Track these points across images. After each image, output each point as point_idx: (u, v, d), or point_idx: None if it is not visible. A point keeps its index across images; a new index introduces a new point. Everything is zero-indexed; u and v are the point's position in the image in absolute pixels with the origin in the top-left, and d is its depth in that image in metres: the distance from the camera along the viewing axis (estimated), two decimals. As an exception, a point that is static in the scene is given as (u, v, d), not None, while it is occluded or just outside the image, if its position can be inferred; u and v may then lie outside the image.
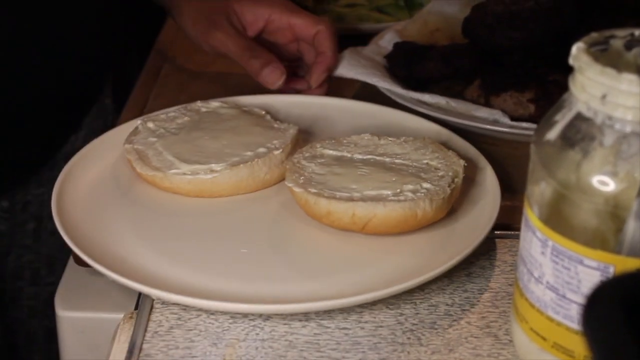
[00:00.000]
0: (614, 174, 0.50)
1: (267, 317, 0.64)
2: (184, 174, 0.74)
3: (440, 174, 0.72)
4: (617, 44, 0.53)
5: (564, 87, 0.54)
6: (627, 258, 0.51)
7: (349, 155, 0.75)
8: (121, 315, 0.68)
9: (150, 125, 0.81)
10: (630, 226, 0.50)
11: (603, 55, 0.52)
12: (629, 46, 0.52)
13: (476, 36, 0.95)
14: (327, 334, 0.63)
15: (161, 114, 0.83)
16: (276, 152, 0.76)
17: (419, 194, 0.69)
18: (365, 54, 0.96)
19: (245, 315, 0.64)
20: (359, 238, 0.69)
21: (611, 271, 0.51)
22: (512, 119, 0.85)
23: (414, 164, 0.73)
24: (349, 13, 1.18)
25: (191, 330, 0.64)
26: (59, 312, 0.81)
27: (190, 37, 0.93)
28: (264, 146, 0.77)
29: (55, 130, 1.02)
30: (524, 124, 0.84)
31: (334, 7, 1.19)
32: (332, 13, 1.17)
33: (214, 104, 0.84)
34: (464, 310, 0.65)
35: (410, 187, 0.69)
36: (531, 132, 0.56)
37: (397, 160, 0.74)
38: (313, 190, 0.69)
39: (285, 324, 0.64)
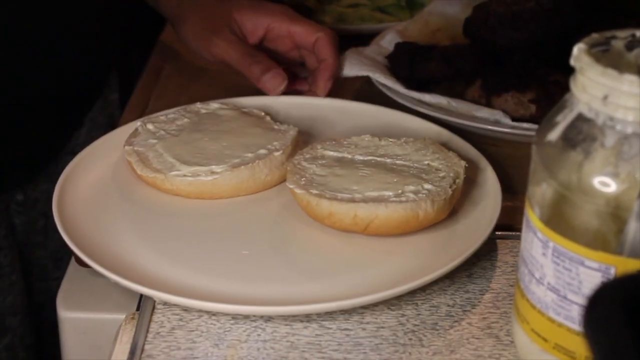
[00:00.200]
0: (615, 175, 0.50)
1: (269, 318, 0.64)
2: (185, 175, 0.74)
3: (442, 174, 0.72)
4: (618, 44, 0.53)
5: (565, 88, 0.54)
6: (628, 259, 0.51)
7: (349, 156, 0.75)
8: (123, 316, 0.68)
9: (150, 126, 0.81)
10: (632, 227, 0.50)
11: (604, 56, 0.52)
12: (630, 47, 0.52)
13: (477, 36, 0.95)
14: (328, 334, 0.63)
15: (161, 116, 0.83)
16: (277, 154, 0.76)
17: (420, 195, 0.69)
18: (367, 54, 0.96)
19: (246, 316, 0.64)
20: (361, 239, 0.70)
21: (612, 272, 0.51)
22: (513, 119, 0.85)
23: (415, 165, 0.73)
24: (350, 13, 1.18)
25: (193, 331, 0.64)
26: (61, 312, 0.81)
27: (191, 48, 0.93)
28: (265, 147, 0.77)
29: (59, 125, 1.03)
30: (525, 125, 0.84)
31: (336, 7, 1.19)
32: (334, 13, 1.17)
33: (214, 105, 0.84)
34: (465, 311, 0.65)
35: (411, 188, 0.69)
36: (532, 133, 0.56)
37: (398, 161, 0.74)
38: (314, 192, 0.69)
39: (286, 325, 0.64)
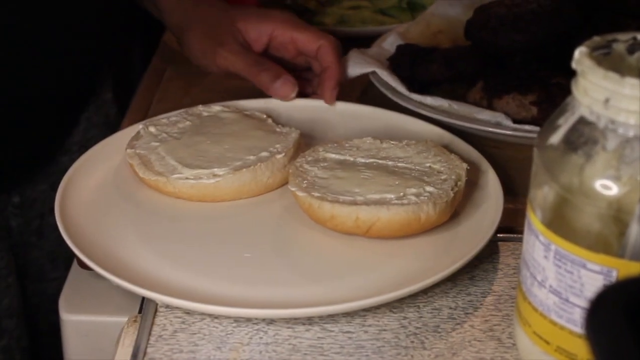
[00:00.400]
0: (616, 178, 0.50)
1: (271, 321, 0.64)
2: (187, 178, 0.74)
3: (443, 177, 0.72)
4: (620, 47, 0.53)
5: (566, 90, 0.54)
6: (630, 262, 0.51)
7: (351, 158, 0.75)
8: (125, 319, 0.68)
9: (152, 129, 0.81)
10: (633, 230, 0.50)
11: (606, 59, 0.52)
12: (631, 50, 0.52)
13: (479, 38, 0.95)
14: (330, 337, 0.63)
15: (163, 119, 0.83)
16: (278, 156, 0.76)
17: (422, 197, 0.69)
18: (369, 56, 0.96)
19: (249, 319, 0.64)
20: (363, 242, 0.70)
21: (614, 275, 0.51)
22: (515, 121, 0.85)
23: (417, 167, 0.73)
24: (352, 15, 1.18)
25: (195, 334, 0.64)
26: (63, 315, 0.81)
27: (197, 62, 0.92)
28: (266, 150, 0.77)
29: (56, 125, 1.02)
30: (527, 127, 0.84)
31: (337, 9, 1.19)
32: (335, 15, 1.17)
33: (215, 108, 0.84)
34: (467, 313, 0.65)
35: (413, 190, 0.69)
36: (534, 135, 0.56)
37: (399, 164, 0.74)
38: (316, 194, 0.69)
39: (288, 328, 0.64)
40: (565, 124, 0.53)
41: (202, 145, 0.78)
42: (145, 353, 0.62)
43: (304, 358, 0.61)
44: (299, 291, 0.65)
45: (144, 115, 0.95)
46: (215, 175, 0.74)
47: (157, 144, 0.79)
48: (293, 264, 0.69)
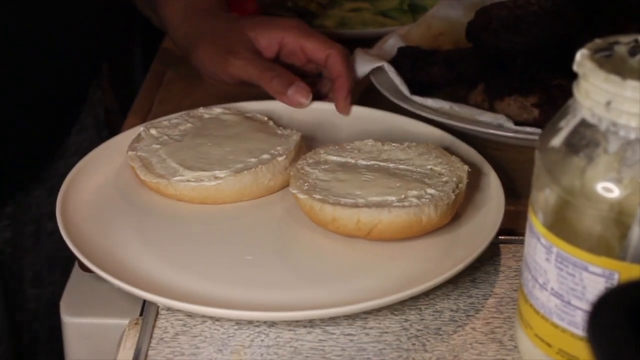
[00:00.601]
0: (618, 181, 0.50)
1: (272, 323, 0.64)
2: (188, 180, 0.74)
3: (445, 179, 0.72)
4: (622, 50, 0.53)
5: (568, 92, 0.54)
6: (632, 265, 0.51)
7: (352, 161, 0.75)
8: (126, 321, 0.68)
9: (153, 132, 0.81)
10: (635, 233, 0.50)
11: (607, 61, 0.52)
12: (633, 52, 0.52)
13: (480, 40, 0.95)
14: (332, 340, 0.63)
15: (164, 121, 0.83)
16: (280, 159, 0.76)
17: (423, 199, 0.69)
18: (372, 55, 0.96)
19: (250, 321, 0.64)
20: (364, 244, 0.70)
21: (616, 278, 0.51)
22: (516, 123, 0.85)
23: (418, 169, 0.73)
24: (353, 17, 1.18)
25: (196, 336, 0.64)
26: (64, 318, 0.81)
27: (207, 73, 0.92)
28: (268, 152, 0.77)
29: (48, 130, 1.02)
30: (528, 129, 0.84)
31: (338, 11, 1.19)
32: (336, 18, 1.17)
33: (217, 110, 0.84)
34: (469, 316, 0.65)
35: (414, 192, 0.69)
36: (535, 137, 0.56)
37: (401, 166, 0.74)
38: (318, 197, 0.69)
39: (290, 330, 0.64)
40: (566, 126, 0.53)
41: (204, 147, 0.78)
42: (146, 356, 0.62)
43: (305, 361, 0.62)
44: (301, 293, 0.65)
45: (145, 117, 0.95)
46: (216, 178, 0.74)
47: (158, 146, 0.79)
48: (294, 266, 0.69)
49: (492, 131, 0.85)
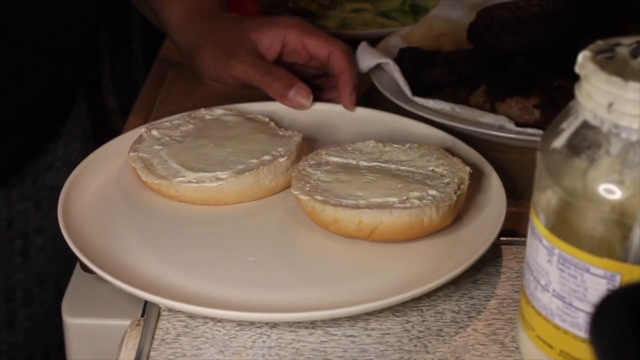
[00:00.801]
0: (620, 182, 0.50)
1: (274, 324, 0.64)
2: (190, 182, 0.74)
3: (446, 180, 0.72)
4: (623, 51, 0.53)
5: (569, 93, 0.54)
6: (634, 266, 0.51)
7: (354, 162, 0.75)
8: (128, 322, 0.68)
9: (155, 133, 0.81)
10: (637, 234, 0.50)
11: (609, 63, 0.52)
12: (634, 54, 0.52)
13: (481, 42, 0.95)
14: (333, 341, 0.63)
15: (165, 122, 0.83)
16: (281, 160, 0.76)
17: (425, 201, 0.69)
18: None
19: (251, 323, 0.64)
20: (365, 245, 0.70)
21: (618, 279, 0.51)
22: (518, 124, 0.85)
23: (420, 170, 0.73)
24: (354, 18, 1.18)
25: (198, 337, 0.64)
26: (66, 319, 0.81)
27: (209, 77, 0.92)
28: (269, 154, 0.77)
29: (32, 141, 0.99)
30: (530, 130, 0.84)
31: (339, 12, 1.19)
32: (337, 18, 1.17)
33: (218, 111, 0.84)
34: (470, 317, 0.65)
35: (416, 194, 0.69)
36: (537, 138, 0.56)
37: (402, 167, 0.74)
38: (319, 198, 0.69)
39: (292, 332, 0.64)
40: (568, 128, 0.53)
41: (205, 148, 0.78)
42: (148, 357, 0.62)
43: (307, 362, 0.62)
44: (302, 295, 0.65)
45: (146, 118, 0.95)
46: (218, 179, 0.74)
47: (159, 147, 0.79)
48: (296, 267, 0.69)
49: (493, 132, 0.85)
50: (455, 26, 1.05)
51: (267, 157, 0.77)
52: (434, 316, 0.66)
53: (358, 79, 0.88)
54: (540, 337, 0.57)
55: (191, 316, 0.65)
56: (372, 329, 0.64)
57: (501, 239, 0.71)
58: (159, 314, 0.66)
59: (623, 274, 0.51)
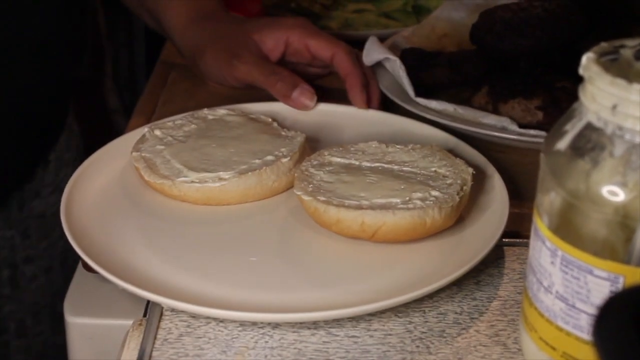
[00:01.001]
0: (623, 184, 0.50)
1: (276, 325, 0.64)
2: (192, 182, 0.74)
3: (449, 181, 0.72)
4: (627, 53, 0.53)
5: (572, 94, 0.54)
6: (637, 268, 0.51)
7: (357, 163, 0.75)
8: (130, 322, 0.68)
9: (158, 133, 0.81)
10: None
11: (613, 65, 0.52)
12: (638, 56, 0.52)
13: (484, 43, 0.95)
14: (336, 342, 0.63)
15: (168, 122, 0.83)
16: (284, 160, 0.76)
17: (427, 202, 0.69)
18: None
19: (254, 323, 0.64)
20: (368, 246, 0.70)
21: (621, 281, 0.51)
22: (520, 126, 0.85)
23: (422, 171, 0.74)
24: (356, 19, 1.18)
25: (200, 337, 0.64)
26: (68, 318, 0.81)
27: (213, 78, 0.91)
28: (272, 154, 0.77)
29: (19, 167, 0.98)
30: (532, 131, 0.84)
31: (342, 12, 1.19)
32: (340, 19, 1.17)
33: (221, 111, 0.84)
34: (473, 318, 0.65)
35: (419, 195, 0.69)
36: (539, 140, 0.56)
37: (405, 168, 0.74)
38: (322, 199, 0.69)
39: (294, 332, 0.64)
40: (572, 129, 0.53)
41: (208, 148, 0.78)
42: (150, 356, 0.62)
43: (309, 362, 0.62)
44: (305, 295, 0.65)
45: (149, 118, 0.95)
46: (220, 179, 0.74)
47: (162, 147, 0.79)
48: (298, 267, 0.69)
49: (496, 133, 0.85)
50: (458, 27, 1.05)
51: (269, 158, 0.77)
52: (437, 317, 0.66)
53: (365, 78, 0.88)
54: (543, 339, 0.57)
55: (194, 316, 0.65)
56: (375, 330, 0.64)
57: (504, 240, 0.71)
58: (161, 314, 0.66)
59: (626, 276, 0.51)
